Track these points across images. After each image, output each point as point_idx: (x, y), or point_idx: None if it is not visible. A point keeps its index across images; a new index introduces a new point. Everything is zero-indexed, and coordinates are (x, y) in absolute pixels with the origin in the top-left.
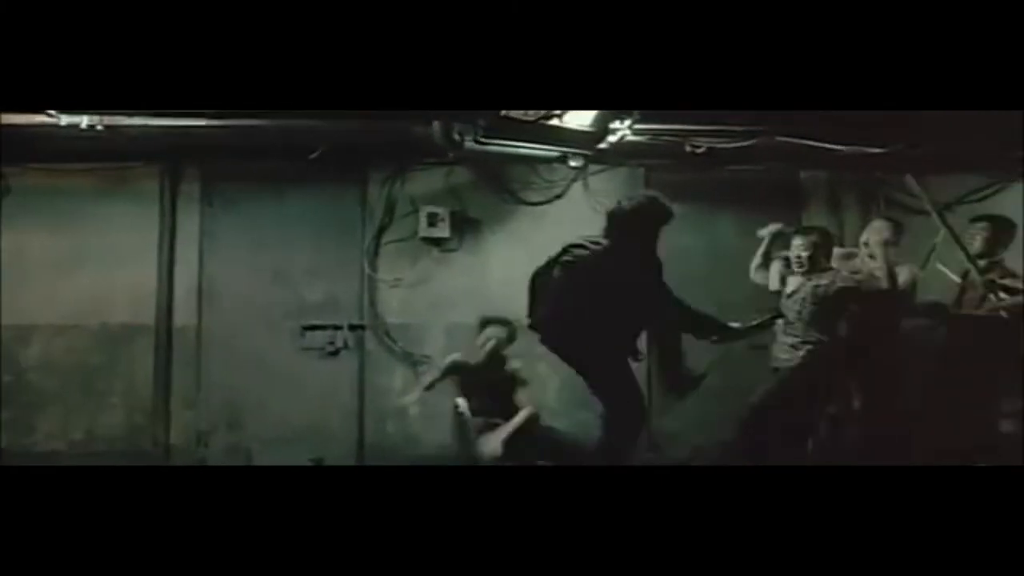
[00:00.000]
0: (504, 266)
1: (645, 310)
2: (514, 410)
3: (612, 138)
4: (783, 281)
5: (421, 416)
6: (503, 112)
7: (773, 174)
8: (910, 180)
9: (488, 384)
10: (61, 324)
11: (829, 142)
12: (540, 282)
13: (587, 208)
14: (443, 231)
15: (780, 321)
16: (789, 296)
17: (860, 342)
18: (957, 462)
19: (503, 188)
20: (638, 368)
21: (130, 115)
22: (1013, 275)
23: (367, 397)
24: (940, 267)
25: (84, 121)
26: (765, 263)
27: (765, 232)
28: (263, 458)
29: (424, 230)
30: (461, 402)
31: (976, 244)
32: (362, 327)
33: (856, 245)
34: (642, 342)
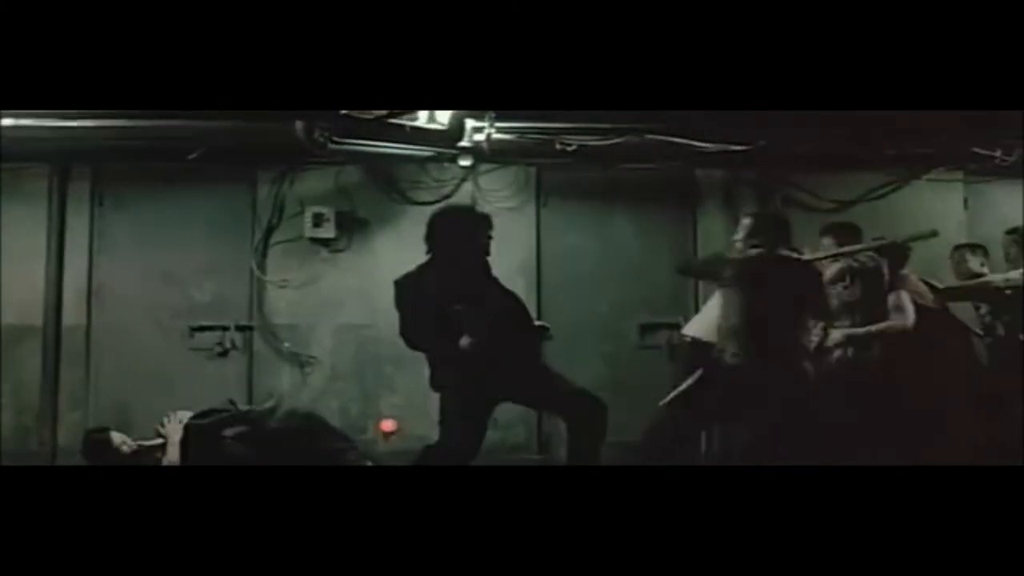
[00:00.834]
0: (392, 266)
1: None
2: None
3: (479, 136)
4: None
5: None
6: (344, 112)
7: (668, 172)
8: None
9: None
10: None
11: (698, 139)
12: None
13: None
14: (328, 231)
15: None
16: None
17: None
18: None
19: (393, 188)
20: None
21: (18, 116)
22: None
23: (256, 398)
24: None
25: None
26: None
27: None
28: None
29: (309, 230)
30: None
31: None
32: (250, 328)
33: None
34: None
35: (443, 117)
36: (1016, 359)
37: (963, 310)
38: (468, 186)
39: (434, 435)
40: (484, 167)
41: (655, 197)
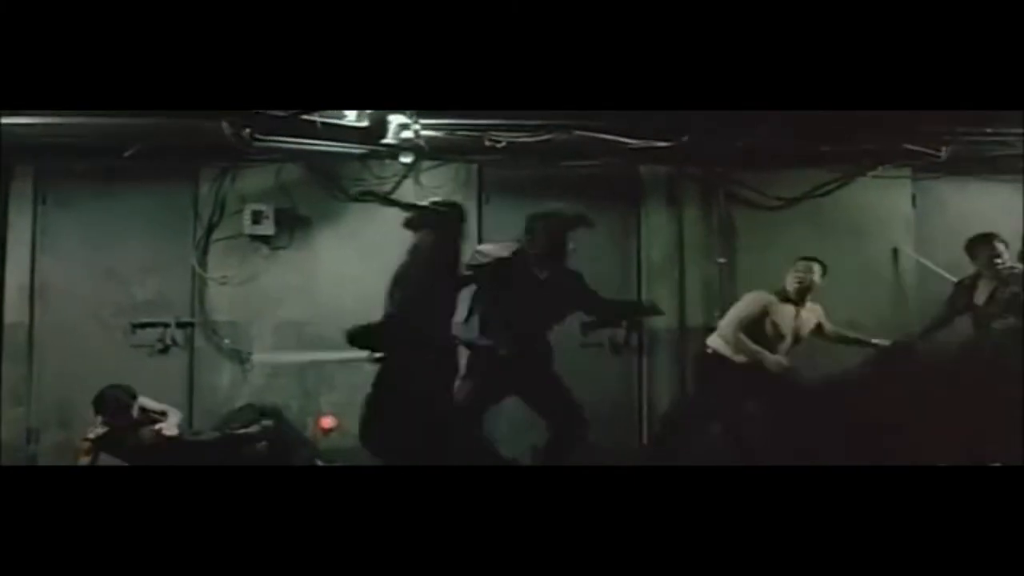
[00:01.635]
0: (333, 263)
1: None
2: None
3: (406, 134)
4: None
5: None
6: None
7: (611, 169)
8: None
9: None
10: None
11: (626, 137)
12: None
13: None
14: (268, 228)
15: None
16: None
17: None
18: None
19: (334, 185)
20: None
21: None
22: None
23: (197, 394)
24: None
25: None
26: None
27: None
28: None
29: (248, 227)
30: None
31: None
32: (191, 324)
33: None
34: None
35: (363, 115)
36: None
37: None
38: (409, 182)
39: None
40: (425, 164)
41: (598, 194)
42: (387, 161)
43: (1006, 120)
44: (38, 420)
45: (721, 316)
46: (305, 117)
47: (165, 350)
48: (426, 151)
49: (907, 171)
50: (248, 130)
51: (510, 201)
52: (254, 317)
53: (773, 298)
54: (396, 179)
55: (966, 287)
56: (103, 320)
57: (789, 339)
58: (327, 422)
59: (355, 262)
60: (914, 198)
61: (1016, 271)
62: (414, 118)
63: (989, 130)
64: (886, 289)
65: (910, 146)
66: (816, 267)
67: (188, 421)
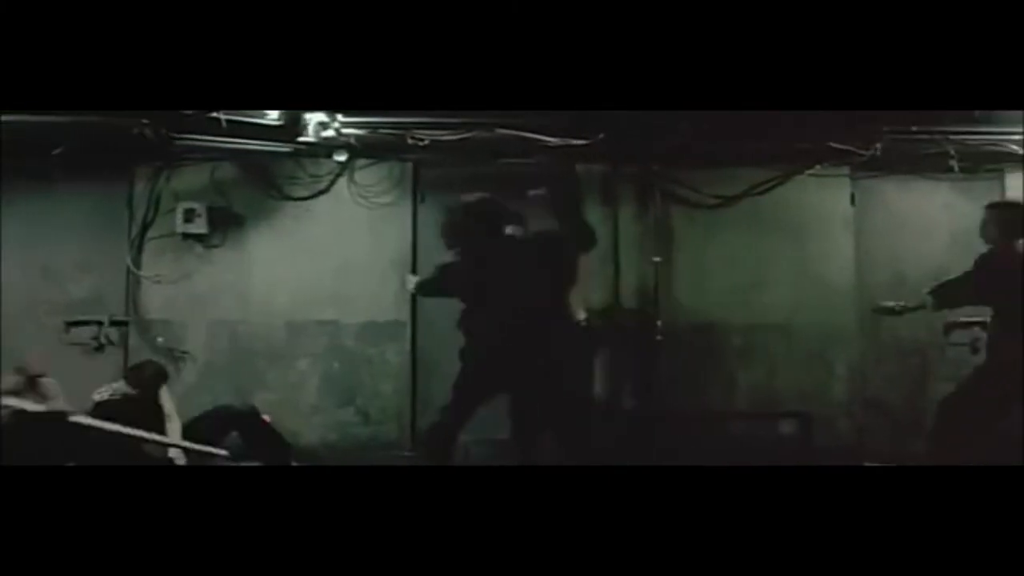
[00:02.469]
0: (267, 262)
1: None
2: None
3: (327, 132)
4: None
5: None
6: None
7: (548, 167)
8: None
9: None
10: None
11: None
12: None
13: (351, 203)
14: (200, 227)
15: None
16: None
17: None
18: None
19: (269, 183)
20: None
21: None
22: None
23: None
24: None
25: None
26: None
27: None
28: None
29: (181, 226)
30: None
31: None
32: (125, 323)
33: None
34: None
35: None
36: None
37: None
38: (343, 181)
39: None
40: (360, 162)
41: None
42: (321, 160)
43: (934, 119)
44: None
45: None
46: (214, 115)
47: (100, 348)
48: (359, 150)
49: (846, 169)
50: (164, 130)
51: (446, 199)
52: (188, 316)
53: None
54: (331, 178)
55: None
56: (38, 318)
57: None
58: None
59: (289, 261)
60: (853, 196)
61: None
62: (332, 116)
63: (915, 128)
64: (824, 287)
65: (835, 144)
66: None
67: None
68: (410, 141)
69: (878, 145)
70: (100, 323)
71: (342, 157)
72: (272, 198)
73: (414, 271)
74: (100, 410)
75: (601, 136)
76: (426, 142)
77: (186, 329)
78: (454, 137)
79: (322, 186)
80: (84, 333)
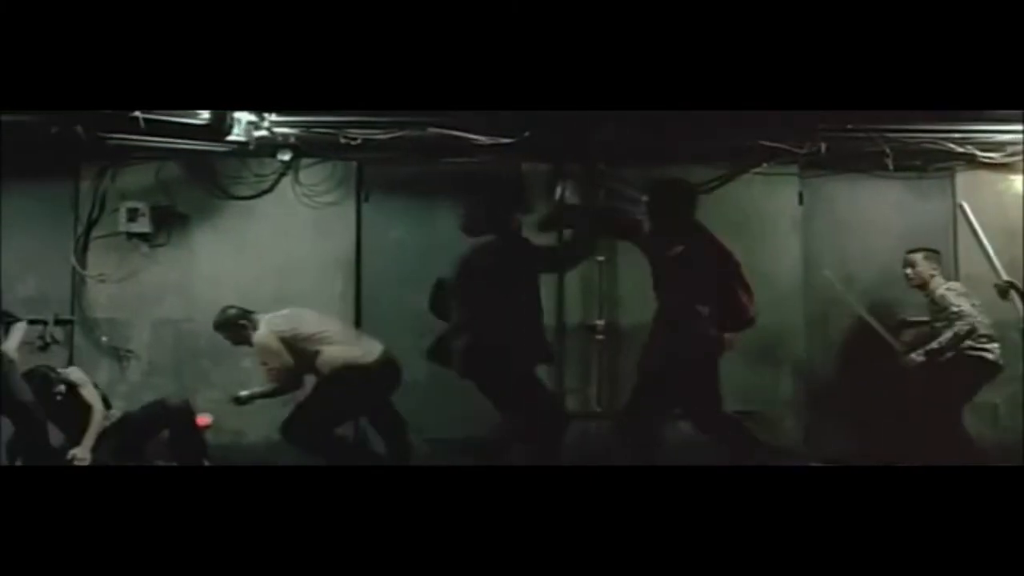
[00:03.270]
0: (211, 261)
1: None
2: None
3: (258, 132)
4: None
5: None
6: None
7: (493, 166)
8: None
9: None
10: None
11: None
12: None
13: (296, 202)
14: (143, 226)
15: None
16: None
17: None
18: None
19: (213, 183)
20: None
21: None
22: None
23: None
24: None
25: None
26: None
27: None
28: None
29: (124, 225)
30: None
31: None
32: (70, 322)
33: None
34: None
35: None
36: None
37: None
38: (287, 180)
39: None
40: (305, 161)
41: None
42: (265, 159)
43: (870, 117)
44: None
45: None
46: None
47: (45, 347)
48: (303, 149)
49: (794, 168)
50: (90, 130)
51: (390, 199)
52: (133, 314)
53: None
54: (275, 177)
55: None
56: None
57: None
58: (203, 420)
59: (233, 260)
60: (801, 195)
61: None
62: (260, 116)
63: (850, 126)
64: (771, 286)
65: (766, 142)
66: None
67: None
68: (343, 140)
69: (823, 144)
70: (45, 322)
71: (286, 156)
72: (216, 197)
73: (358, 270)
74: None
75: (527, 134)
76: (359, 141)
77: (131, 328)
78: (386, 136)
79: (266, 185)
80: (30, 332)
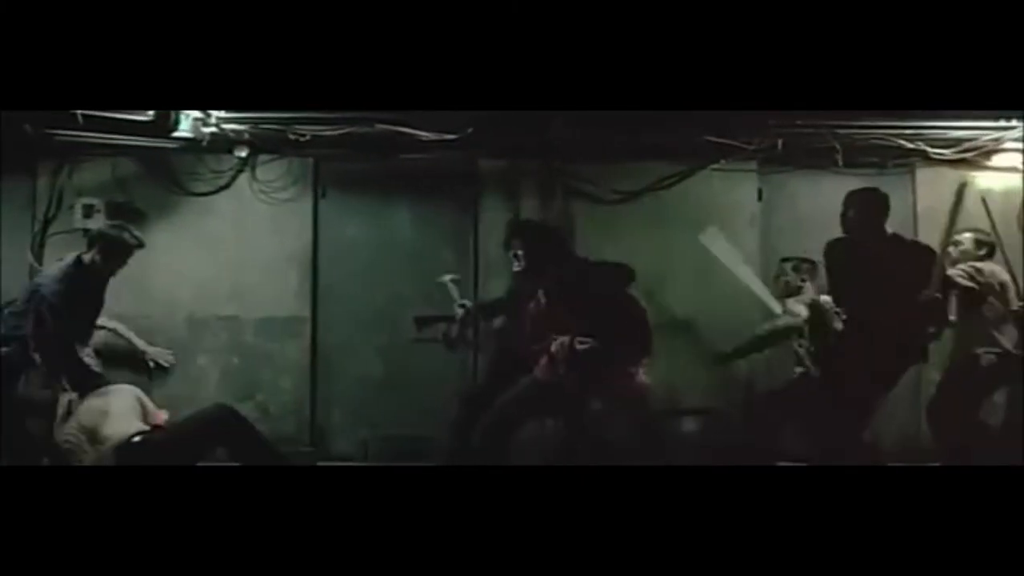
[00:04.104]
0: (168, 257)
1: None
2: None
3: (207, 129)
4: None
5: None
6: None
7: (450, 163)
8: None
9: None
10: None
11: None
12: None
13: (252, 198)
14: (99, 223)
15: None
16: None
17: None
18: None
19: (170, 179)
20: None
21: None
22: None
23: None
24: None
25: None
26: None
27: None
28: None
29: (79, 222)
30: None
31: None
32: None
33: None
34: None
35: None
36: None
37: None
38: (244, 177)
39: None
40: (262, 158)
41: (437, 188)
42: (223, 155)
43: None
44: None
45: None
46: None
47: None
48: (258, 146)
49: (753, 164)
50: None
51: (347, 195)
52: None
53: None
54: (232, 173)
55: None
56: None
57: None
58: (159, 417)
59: (190, 256)
60: (760, 192)
61: None
62: (206, 112)
63: (799, 122)
64: (729, 284)
65: (711, 138)
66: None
67: None
68: (292, 136)
69: (779, 140)
70: None
71: (243, 153)
72: (173, 193)
73: (314, 266)
74: None
75: (470, 131)
76: (308, 137)
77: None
78: (334, 132)
79: (223, 182)
80: None
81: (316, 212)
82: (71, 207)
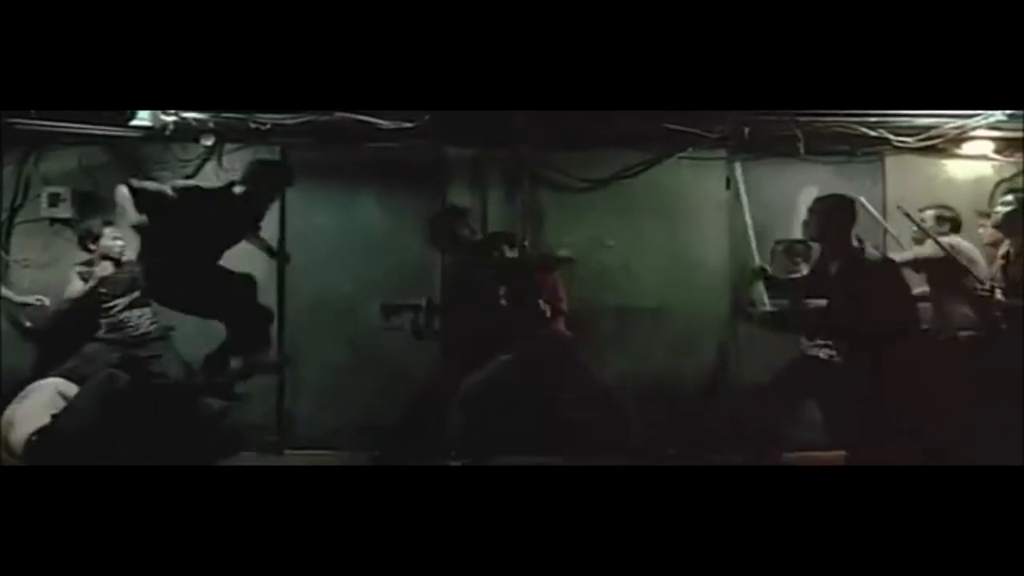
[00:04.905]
0: (134, 247)
1: None
2: None
3: (167, 117)
4: None
5: None
6: None
7: (417, 152)
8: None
9: None
10: None
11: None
12: None
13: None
14: (65, 211)
15: None
16: None
17: None
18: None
19: (137, 167)
20: None
21: None
22: None
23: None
24: None
25: None
26: None
27: None
28: None
29: (45, 210)
30: None
31: None
32: None
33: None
34: None
35: None
36: None
37: None
38: (211, 165)
39: None
40: (229, 146)
41: (405, 176)
42: (189, 144)
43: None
44: None
45: None
46: None
47: None
48: (223, 134)
49: (722, 152)
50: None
51: (314, 184)
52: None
53: None
54: (198, 162)
55: None
56: None
57: None
58: None
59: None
60: (728, 180)
61: None
62: None
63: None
64: (697, 271)
65: (671, 125)
66: None
67: None
68: (252, 125)
69: (746, 128)
70: None
71: (209, 142)
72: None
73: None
74: None
75: (427, 117)
76: (268, 126)
77: None
78: (294, 121)
79: (189, 171)
80: None
81: (283, 200)
82: (37, 196)
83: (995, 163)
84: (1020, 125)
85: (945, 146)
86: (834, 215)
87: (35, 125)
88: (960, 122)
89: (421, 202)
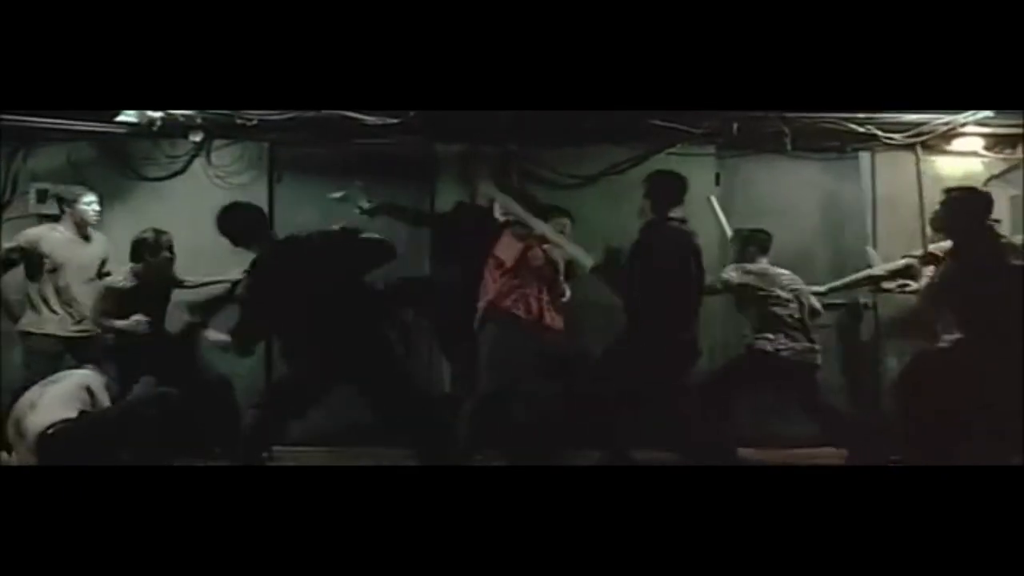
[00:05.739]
0: (122, 242)
1: None
2: None
3: (155, 114)
4: None
5: None
6: None
7: (406, 147)
8: None
9: None
10: None
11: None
12: None
13: (208, 183)
14: (53, 208)
15: None
16: None
17: None
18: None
19: (125, 164)
20: None
21: None
22: None
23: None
24: None
25: None
26: None
27: None
28: None
29: (33, 207)
30: None
31: None
32: None
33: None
34: None
35: None
36: None
37: None
38: (200, 161)
39: None
40: (217, 142)
41: (393, 172)
42: (178, 140)
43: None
44: None
45: None
46: None
47: None
48: (212, 131)
49: (711, 148)
50: None
51: (302, 180)
52: None
53: None
54: (187, 158)
55: None
56: None
57: None
58: None
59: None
60: (717, 176)
61: None
62: None
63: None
64: None
65: (658, 122)
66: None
67: None
68: (239, 121)
69: (735, 124)
70: None
71: (197, 137)
72: (129, 178)
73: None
74: None
75: (412, 114)
76: (255, 122)
77: None
78: (281, 117)
79: (178, 167)
80: None
81: (271, 197)
82: (26, 193)
83: (985, 159)
84: (1010, 121)
85: (935, 142)
86: (967, 207)
87: (23, 122)
88: (948, 118)
89: (410, 198)
